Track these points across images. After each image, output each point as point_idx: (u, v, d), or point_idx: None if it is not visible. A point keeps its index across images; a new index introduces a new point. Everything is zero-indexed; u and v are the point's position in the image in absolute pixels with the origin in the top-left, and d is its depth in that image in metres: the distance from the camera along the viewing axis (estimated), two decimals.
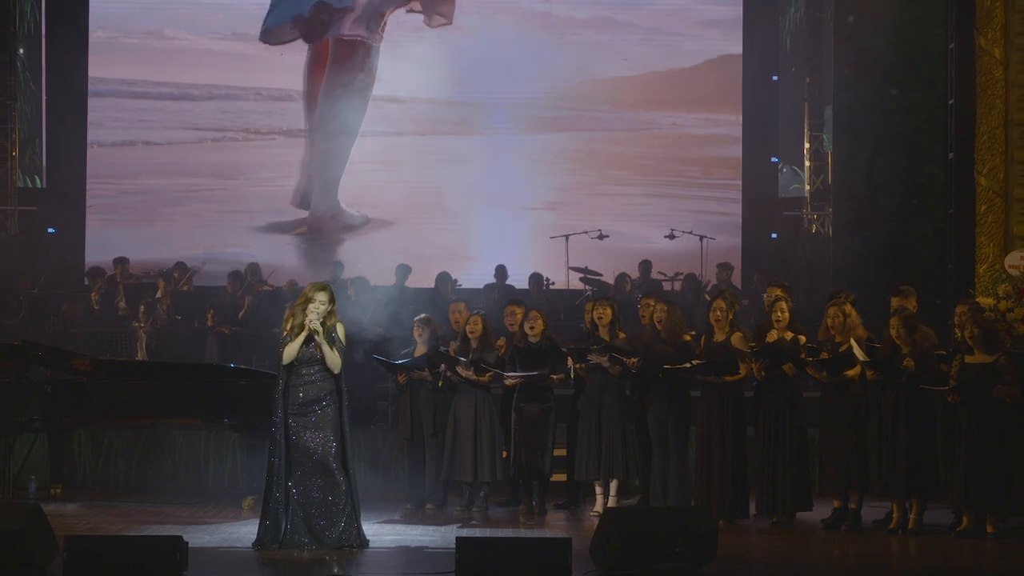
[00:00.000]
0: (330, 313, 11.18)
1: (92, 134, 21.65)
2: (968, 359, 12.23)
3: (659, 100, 21.99)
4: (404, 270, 19.22)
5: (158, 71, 21.82)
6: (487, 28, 21.72)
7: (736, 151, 21.76)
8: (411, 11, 21.69)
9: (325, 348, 11.13)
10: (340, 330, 11.26)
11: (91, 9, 21.59)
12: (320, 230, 21.76)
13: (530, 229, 21.26)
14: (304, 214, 21.81)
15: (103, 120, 21.75)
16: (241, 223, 21.41)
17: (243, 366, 15.30)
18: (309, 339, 11.16)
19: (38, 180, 21.95)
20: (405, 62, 21.49)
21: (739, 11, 21.93)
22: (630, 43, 21.81)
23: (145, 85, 21.82)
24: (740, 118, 21.82)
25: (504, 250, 20.56)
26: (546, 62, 21.71)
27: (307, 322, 11.09)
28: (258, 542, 11.19)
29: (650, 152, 21.93)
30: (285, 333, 11.29)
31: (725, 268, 20.00)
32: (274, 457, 11.24)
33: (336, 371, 11.20)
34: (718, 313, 13.02)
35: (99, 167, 21.68)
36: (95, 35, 21.65)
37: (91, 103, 21.65)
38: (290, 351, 11.21)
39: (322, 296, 11.16)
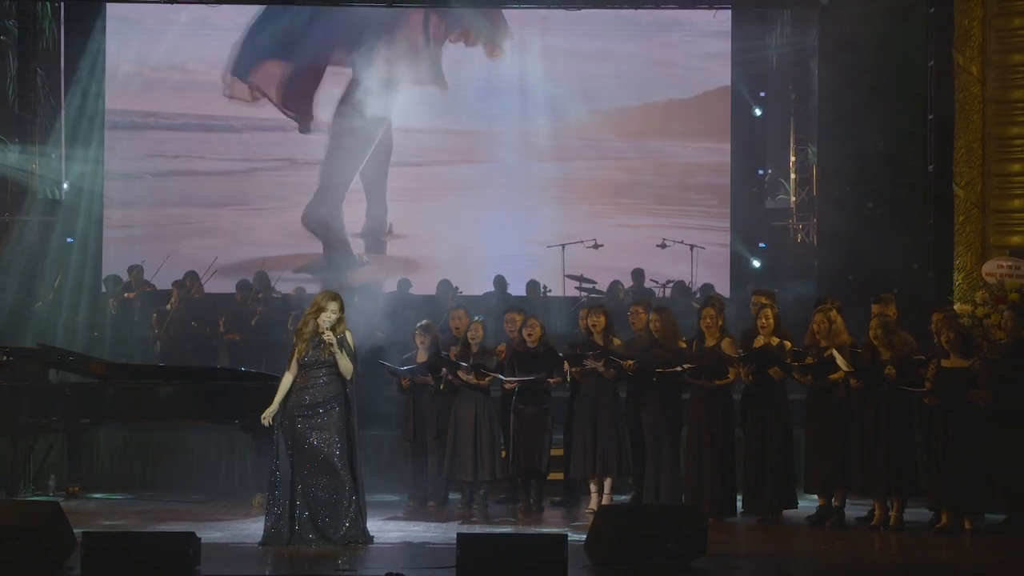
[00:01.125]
0: (339, 321, 11.24)
1: (110, 162, 21.50)
2: (944, 363, 12.29)
3: (658, 128, 21.87)
4: (405, 284, 19.32)
5: (178, 103, 21.66)
6: (494, 60, 21.67)
7: (727, 163, 21.72)
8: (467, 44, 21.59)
9: (339, 356, 11.19)
10: (349, 337, 11.33)
11: (113, 42, 21.41)
12: (325, 241, 21.61)
13: (529, 241, 21.20)
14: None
15: (122, 148, 21.59)
16: (255, 251, 21.13)
17: (252, 370, 15.33)
18: (319, 345, 11.22)
19: (57, 192, 21.93)
20: (411, 93, 21.47)
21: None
22: (631, 74, 21.72)
23: (166, 117, 21.65)
24: (730, 134, 21.77)
25: (503, 260, 20.57)
26: (550, 93, 21.62)
27: (323, 336, 11.16)
28: (265, 539, 11.22)
29: (647, 173, 21.83)
30: (295, 338, 11.38)
31: (707, 289, 20.04)
32: (277, 458, 11.30)
33: (349, 376, 11.26)
34: (708, 320, 13.07)
35: (117, 193, 21.56)
36: (121, 69, 21.51)
37: (110, 133, 21.48)
38: (286, 382, 11.35)
39: (334, 306, 11.23)
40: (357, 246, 21.64)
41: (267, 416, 11.37)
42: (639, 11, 20.77)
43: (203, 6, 20.91)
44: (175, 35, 21.31)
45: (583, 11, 20.66)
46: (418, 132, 21.70)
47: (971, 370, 12.16)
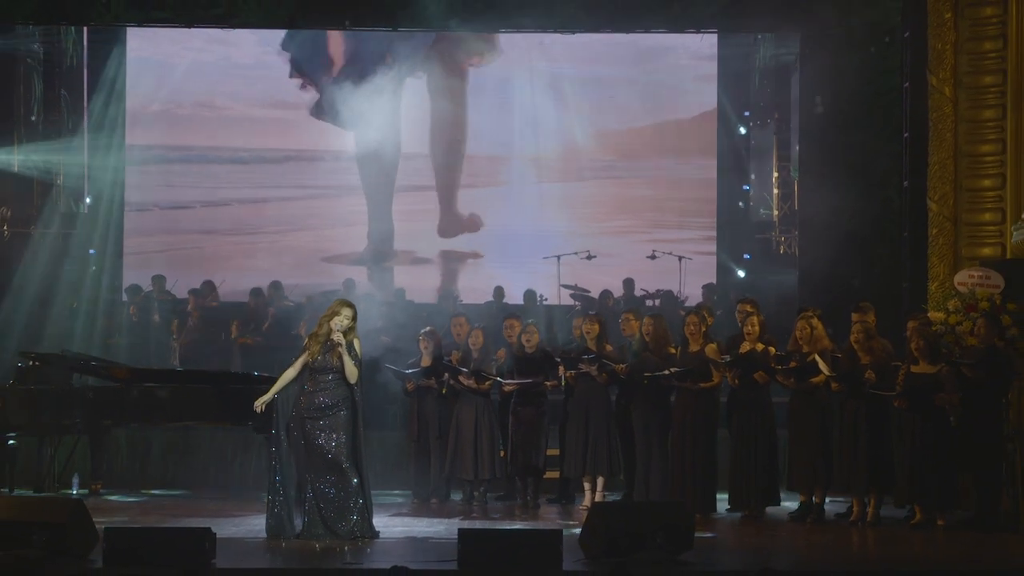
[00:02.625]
0: (350, 329, 11.30)
1: (129, 181, 21.44)
2: (914, 369, 12.35)
3: (649, 146, 21.80)
4: (400, 292, 19.33)
5: (202, 136, 21.61)
6: (504, 89, 21.66)
7: (713, 179, 21.72)
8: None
9: (346, 359, 11.25)
10: (357, 344, 11.39)
11: (132, 67, 21.38)
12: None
13: (527, 253, 21.18)
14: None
15: (141, 170, 21.55)
16: (264, 277, 20.84)
17: (265, 374, 15.33)
18: (329, 349, 11.27)
19: (82, 206, 21.92)
20: (428, 122, 21.49)
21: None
22: (624, 96, 21.68)
23: (182, 148, 21.56)
24: (717, 151, 21.76)
25: (502, 272, 20.60)
26: (547, 115, 21.59)
27: (333, 337, 11.22)
28: (268, 533, 11.31)
29: (638, 189, 21.83)
30: (309, 339, 11.48)
31: (710, 288, 20.10)
32: (279, 457, 11.37)
33: (353, 380, 11.32)
34: (691, 327, 13.18)
35: (135, 211, 21.55)
36: (139, 96, 21.46)
37: (130, 150, 21.39)
38: (286, 377, 11.48)
39: (347, 311, 11.32)
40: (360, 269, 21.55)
41: (260, 403, 11.52)
42: (630, 36, 20.71)
43: (219, 42, 20.94)
44: (191, 67, 21.31)
45: (578, 37, 20.63)
46: (422, 156, 21.69)
47: (939, 375, 12.23)
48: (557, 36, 20.58)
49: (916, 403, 12.22)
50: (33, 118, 21.62)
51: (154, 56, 21.36)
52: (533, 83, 21.59)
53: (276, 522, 11.36)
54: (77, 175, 21.71)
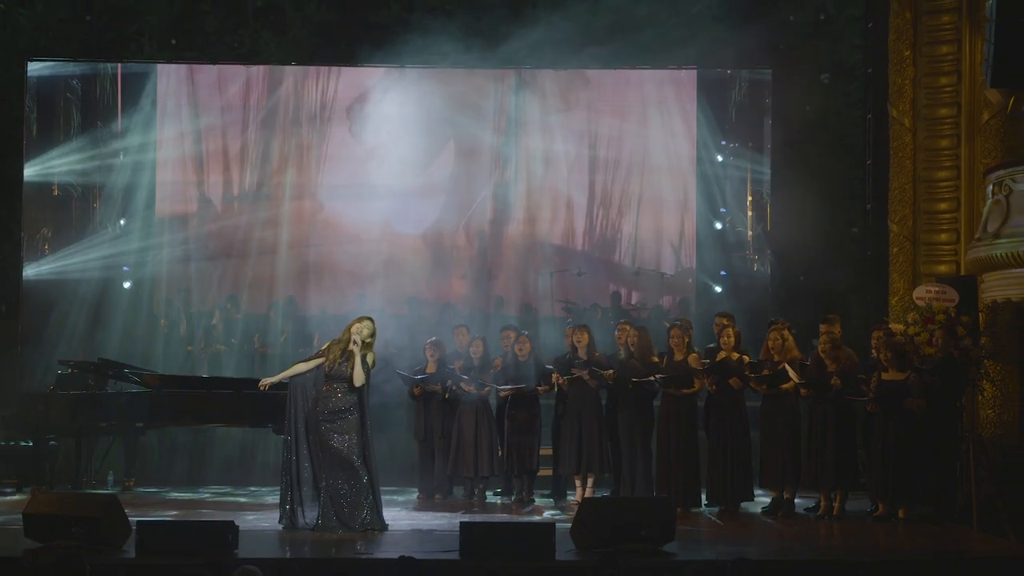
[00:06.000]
0: (367, 343, 11.35)
1: (162, 210, 21.36)
2: (884, 376, 12.37)
3: (636, 172, 21.68)
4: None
5: (222, 165, 21.56)
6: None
7: (693, 201, 21.72)
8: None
9: (357, 361, 11.29)
10: (370, 357, 11.44)
11: (162, 98, 21.37)
12: None
13: (525, 268, 21.18)
14: None
15: (173, 197, 21.52)
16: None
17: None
18: (347, 359, 11.32)
19: (118, 226, 21.89)
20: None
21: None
22: (611, 125, 21.62)
23: (215, 177, 21.54)
24: (696, 177, 21.76)
25: (501, 284, 20.60)
26: (546, 148, 21.54)
27: (351, 345, 11.29)
28: (285, 525, 11.37)
29: (625, 210, 21.78)
30: (331, 343, 11.54)
31: (685, 301, 20.11)
32: (294, 456, 11.44)
33: (358, 384, 11.32)
34: (675, 339, 13.20)
35: (167, 240, 21.48)
36: (176, 135, 21.35)
37: (162, 185, 21.40)
38: (296, 368, 11.64)
39: (368, 324, 11.49)
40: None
41: (265, 383, 11.76)
42: (616, 71, 20.71)
43: (241, 85, 21.00)
44: (211, 98, 21.31)
45: (568, 72, 20.66)
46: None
47: (907, 382, 12.25)
48: (547, 72, 20.63)
49: (887, 407, 12.25)
50: (73, 144, 21.63)
51: (181, 88, 21.34)
52: (529, 116, 21.58)
53: (288, 515, 11.39)
54: (113, 196, 21.70)
